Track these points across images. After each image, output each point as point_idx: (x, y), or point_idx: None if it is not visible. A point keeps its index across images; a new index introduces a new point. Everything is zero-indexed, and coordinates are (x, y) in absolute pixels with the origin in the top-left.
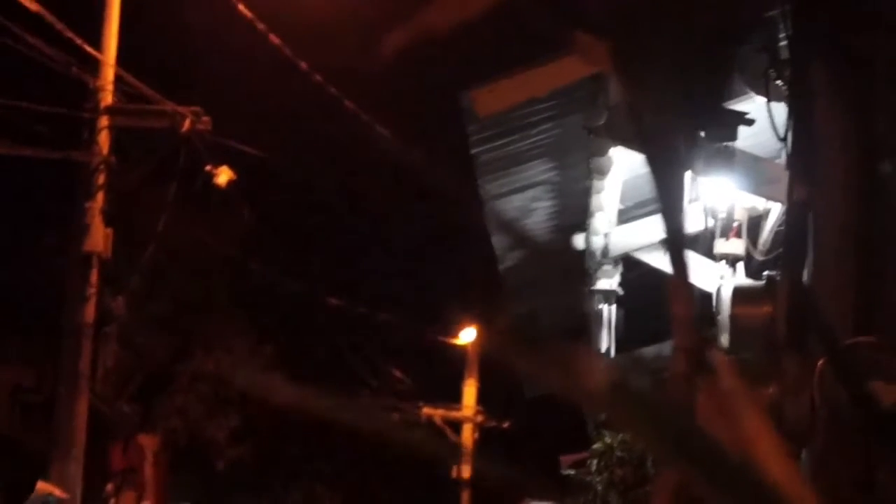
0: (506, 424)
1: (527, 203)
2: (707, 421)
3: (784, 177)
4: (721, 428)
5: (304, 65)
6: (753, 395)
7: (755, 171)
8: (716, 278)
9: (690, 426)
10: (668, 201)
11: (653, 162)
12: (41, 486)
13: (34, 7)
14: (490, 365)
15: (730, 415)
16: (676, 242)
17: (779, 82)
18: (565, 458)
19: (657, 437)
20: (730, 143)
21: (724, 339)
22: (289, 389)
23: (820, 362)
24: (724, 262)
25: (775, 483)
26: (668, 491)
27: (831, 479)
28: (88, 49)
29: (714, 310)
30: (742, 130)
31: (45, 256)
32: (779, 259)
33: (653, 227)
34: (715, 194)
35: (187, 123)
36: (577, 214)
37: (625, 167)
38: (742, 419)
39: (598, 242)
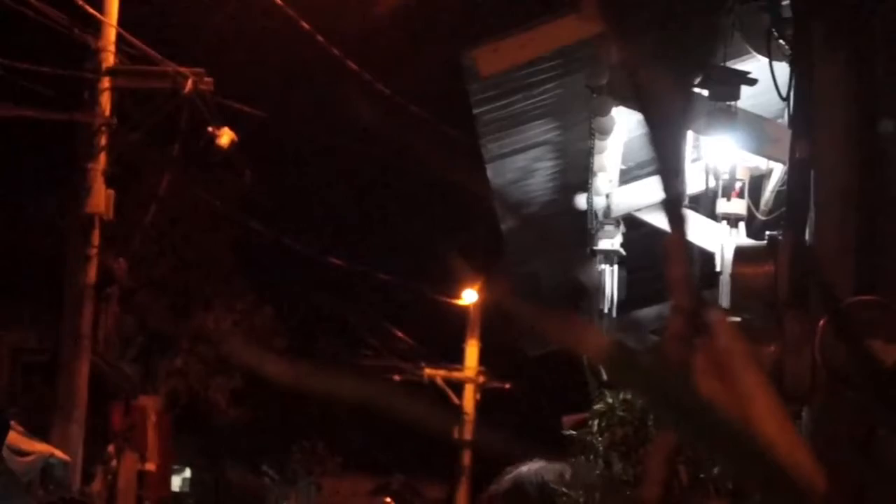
0: (507, 385)
1: (529, 163)
2: (703, 381)
3: (786, 137)
4: (717, 388)
5: (307, 25)
6: (751, 354)
7: (758, 130)
8: (718, 238)
9: (686, 387)
10: (664, 160)
11: (649, 120)
12: (42, 447)
13: None
14: (492, 325)
15: (726, 375)
16: (674, 201)
17: (781, 42)
18: (567, 419)
19: (654, 399)
20: (732, 103)
21: (726, 299)
22: (284, 364)
23: (821, 322)
24: (725, 222)
25: (771, 443)
26: (664, 452)
27: (831, 438)
28: (90, 10)
29: (716, 270)
30: (744, 90)
31: (48, 218)
32: (781, 219)
33: (655, 188)
34: (717, 154)
35: (189, 84)
36: (579, 174)
37: (627, 127)
38: (739, 379)
39: (599, 203)
